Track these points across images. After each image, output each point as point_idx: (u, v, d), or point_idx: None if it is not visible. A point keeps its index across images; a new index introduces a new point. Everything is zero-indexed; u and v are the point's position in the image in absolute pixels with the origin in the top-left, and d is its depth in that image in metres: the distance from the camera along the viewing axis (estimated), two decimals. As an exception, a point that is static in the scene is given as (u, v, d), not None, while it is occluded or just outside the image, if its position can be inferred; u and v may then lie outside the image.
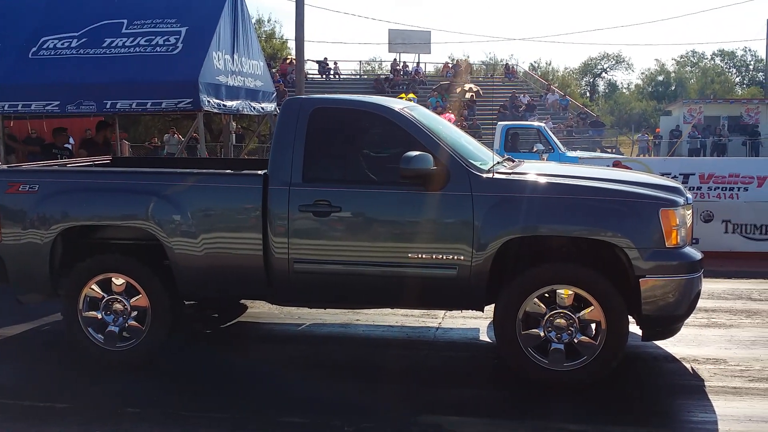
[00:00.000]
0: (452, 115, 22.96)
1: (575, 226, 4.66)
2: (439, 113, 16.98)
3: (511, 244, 4.66)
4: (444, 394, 4.70)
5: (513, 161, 5.67)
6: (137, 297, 5.15)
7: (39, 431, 4.17)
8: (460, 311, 6.12)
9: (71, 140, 15.22)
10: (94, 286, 5.19)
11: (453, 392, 4.75)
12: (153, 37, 9.16)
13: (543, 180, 4.85)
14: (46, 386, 4.90)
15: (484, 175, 4.78)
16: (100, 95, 8.82)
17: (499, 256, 4.66)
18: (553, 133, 19.52)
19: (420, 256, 4.75)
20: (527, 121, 25.76)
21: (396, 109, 5.07)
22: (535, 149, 14.90)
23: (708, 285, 6.07)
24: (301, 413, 4.36)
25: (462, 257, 4.67)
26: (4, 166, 6.94)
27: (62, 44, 9.29)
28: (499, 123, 19.02)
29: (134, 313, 5.17)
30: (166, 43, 9.10)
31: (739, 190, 9.25)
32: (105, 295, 5.19)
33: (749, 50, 66.84)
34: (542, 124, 19.13)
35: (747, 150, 28.64)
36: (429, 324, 6.25)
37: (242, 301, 6.67)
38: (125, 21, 9.39)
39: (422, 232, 4.78)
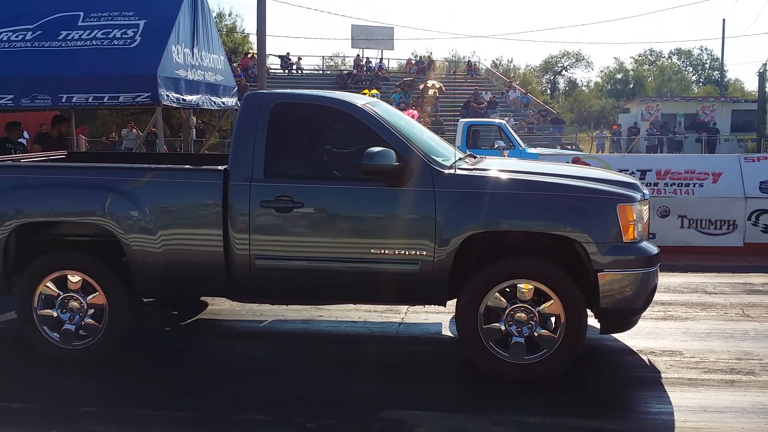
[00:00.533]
0: (416, 111, 23.01)
1: (535, 221, 4.72)
2: (402, 109, 17.01)
3: (473, 240, 4.69)
4: (406, 389, 4.71)
5: (475, 158, 5.71)
6: (94, 295, 5.05)
7: (-8, 433, 4.08)
8: (422, 306, 6.14)
9: (26, 135, 14.86)
10: (50, 284, 5.07)
11: (415, 387, 4.76)
12: (110, 30, 8.99)
13: (504, 176, 4.88)
14: (0, 386, 4.78)
15: (446, 171, 4.80)
16: (56, 89, 8.62)
17: (461, 251, 4.68)
18: (515, 130, 19.72)
19: (382, 251, 4.75)
20: (489, 118, 25.97)
21: (358, 105, 5.05)
22: (496, 146, 15.02)
23: (664, 279, 6.19)
24: (263, 410, 4.33)
25: (424, 252, 4.68)
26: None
27: (16, 37, 9.05)
28: (461, 120, 19.17)
29: (91, 311, 5.07)
30: (124, 36, 8.93)
31: (694, 186, 9.46)
32: (61, 293, 5.08)
33: (705, 49, 68.36)
34: (503, 121, 19.30)
35: (702, 147, 29.31)
36: (392, 319, 6.26)
37: (203, 298, 6.59)
38: (81, 13, 9.19)
39: (384, 227, 4.78)
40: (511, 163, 5.82)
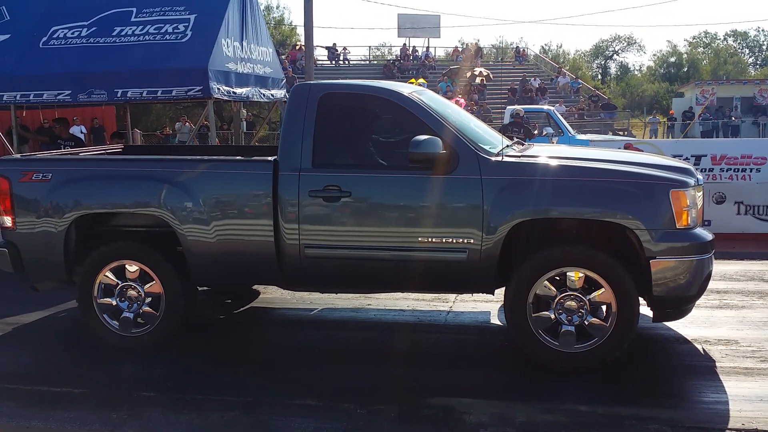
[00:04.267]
0: (463, 99, 22.87)
1: (586, 208, 4.65)
2: (449, 98, 16.94)
3: (521, 227, 4.67)
4: (455, 377, 4.73)
5: (522, 144, 5.67)
6: (151, 283, 5.21)
7: (55, 416, 4.25)
8: (470, 295, 6.14)
9: (83, 129, 15.31)
10: (109, 273, 5.25)
11: (464, 375, 4.78)
12: (162, 25, 9.17)
13: (553, 162, 4.84)
14: (62, 372, 4.98)
15: (493, 159, 4.78)
16: (111, 84, 8.85)
17: (509, 239, 4.67)
18: (565, 117, 19.45)
19: (430, 240, 4.76)
20: (538, 104, 25.63)
21: (404, 94, 5.07)
22: (544, 133, 14.84)
23: (720, 266, 6.06)
24: (314, 396, 4.41)
25: (471, 241, 4.68)
26: (18, 156, 7.00)
27: (72, 33, 9.32)
28: (508, 107, 18.96)
29: (148, 300, 5.23)
30: (175, 30, 9.10)
31: (751, 171, 9.20)
32: (119, 282, 5.26)
33: (762, 30, 66.19)
34: (552, 108, 19.03)
35: (760, 131, 28.38)
36: (440, 308, 6.27)
37: (255, 286, 6.72)
38: (134, 9, 9.41)
39: (431, 216, 4.79)
40: (559, 150, 5.76)
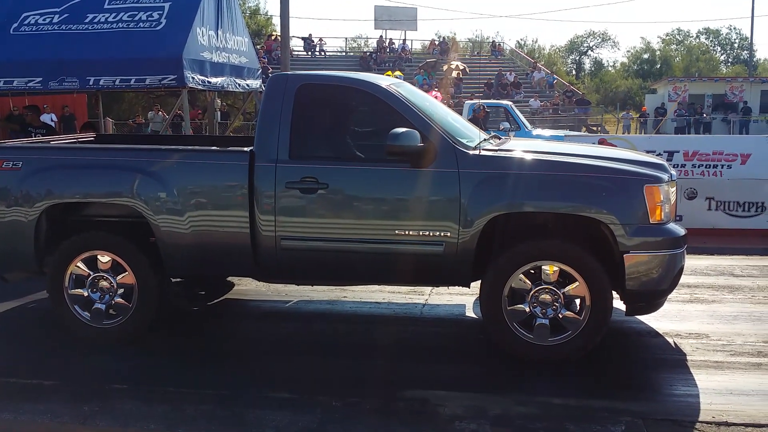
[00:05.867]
0: (439, 93, 22.93)
1: (561, 202, 4.69)
2: (426, 91, 16.96)
3: (498, 221, 4.69)
4: (430, 370, 4.74)
5: (500, 138, 5.69)
6: (124, 274, 5.14)
7: (25, 408, 4.17)
8: (446, 288, 6.15)
9: (54, 117, 15.05)
10: (80, 264, 5.17)
11: (439, 367, 4.79)
12: (136, 13, 9.05)
13: (529, 157, 4.86)
14: (33, 364, 4.89)
15: (471, 152, 4.78)
16: (83, 71, 8.72)
17: (486, 232, 4.68)
18: (539, 111, 19.66)
19: (406, 232, 4.76)
20: (513, 99, 25.83)
21: (382, 86, 5.05)
22: (501, 127, 15.03)
23: (691, 261, 6.14)
24: (289, 389, 4.39)
25: (448, 234, 4.69)
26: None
27: (44, 20, 9.15)
28: (466, 102, 19.37)
29: (121, 291, 5.16)
30: (150, 18, 8.99)
31: (722, 168, 9.34)
32: (91, 273, 5.18)
33: (734, 28, 67.27)
34: (509, 103, 19.40)
35: (731, 128, 28.84)
36: (416, 300, 6.28)
37: (229, 278, 6.66)
38: (108, -4, 9.26)
39: (408, 209, 4.79)
40: (536, 144, 5.79)
